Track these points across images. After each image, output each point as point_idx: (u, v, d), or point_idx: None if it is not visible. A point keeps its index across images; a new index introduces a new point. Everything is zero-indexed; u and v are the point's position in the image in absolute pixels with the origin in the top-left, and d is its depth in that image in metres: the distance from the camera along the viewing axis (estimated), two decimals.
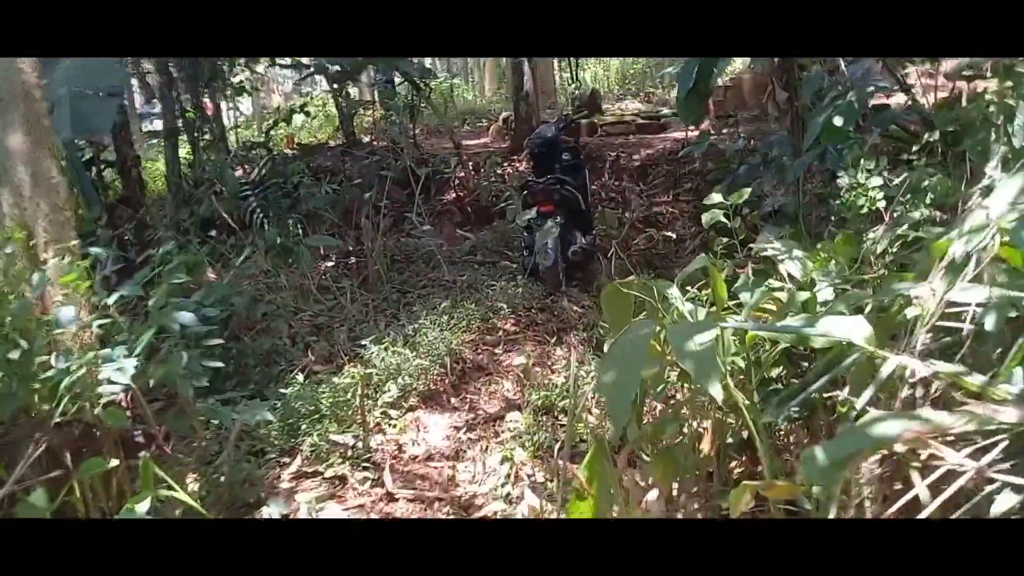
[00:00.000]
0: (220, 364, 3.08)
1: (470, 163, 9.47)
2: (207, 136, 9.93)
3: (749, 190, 3.21)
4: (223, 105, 16.40)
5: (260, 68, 11.62)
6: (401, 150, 8.92)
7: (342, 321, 5.34)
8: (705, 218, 3.28)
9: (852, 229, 3.41)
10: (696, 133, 9.53)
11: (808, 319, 2.08)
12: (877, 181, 3.26)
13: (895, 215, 3.27)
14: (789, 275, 2.70)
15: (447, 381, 4.38)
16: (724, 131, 8.35)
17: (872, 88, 4.00)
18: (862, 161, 3.35)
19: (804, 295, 2.43)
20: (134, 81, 10.92)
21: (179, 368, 2.70)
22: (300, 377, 4.45)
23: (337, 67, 8.08)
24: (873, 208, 3.22)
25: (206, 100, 11.11)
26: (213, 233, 7.40)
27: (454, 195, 9.08)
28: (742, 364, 2.41)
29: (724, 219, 3.25)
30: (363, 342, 4.63)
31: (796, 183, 4.51)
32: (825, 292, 2.47)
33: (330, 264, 7.21)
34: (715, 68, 4.57)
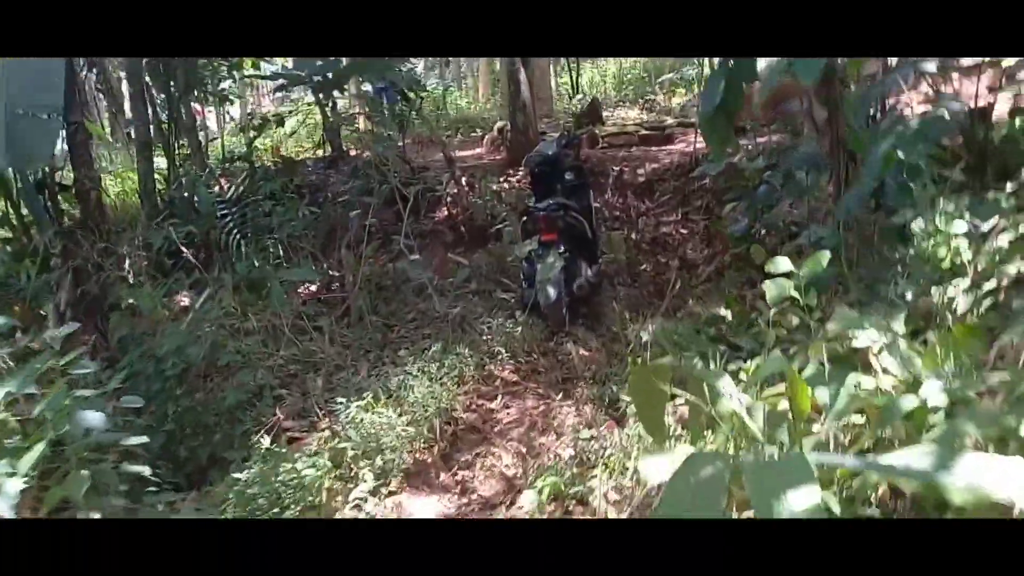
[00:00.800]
0: (145, 469, 2.44)
1: (463, 178, 8.86)
2: (185, 148, 9.31)
3: (828, 255, 2.56)
4: (210, 112, 15.85)
5: (247, 73, 11.02)
6: (389, 165, 8.31)
7: (319, 367, 4.72)
8: (770, 294, 2.60)
9: (924, 282, 2.81)
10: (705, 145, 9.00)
11: (939, 456, 1.46)
12: (960, 227, 2.65)
13: (978, 267, 2.67)
14: (883, 369, 2.08)
15: (436, 450, 3.76)
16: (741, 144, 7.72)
17: (941, 112, 3.40)
18: (940, 201, 2.74)
19: (909, 401, 1.82)
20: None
21: (79, 492, 2.08)
22: (266, 441, 3.83)
23: (320, 77, 7.45)
24: (957, 261, 2.62)
25: (195, 106, 10.57)
26: (186, 254, 6.78)
27: (446, 213, 8.47)
28: (834, 503, 1.78)
29: (795, 297, 2.55)
30: (340, 401, 4.00)
31: (841, 220, 3.90)
32: (935, 395, 1.85)
33: (312, 290, 6.61)
34: (744, 82, 3.96)
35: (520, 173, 8.85)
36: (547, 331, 5.11)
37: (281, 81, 7.26)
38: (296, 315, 5.14)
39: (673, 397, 2.28)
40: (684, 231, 7.49)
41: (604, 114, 12.10)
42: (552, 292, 4.93)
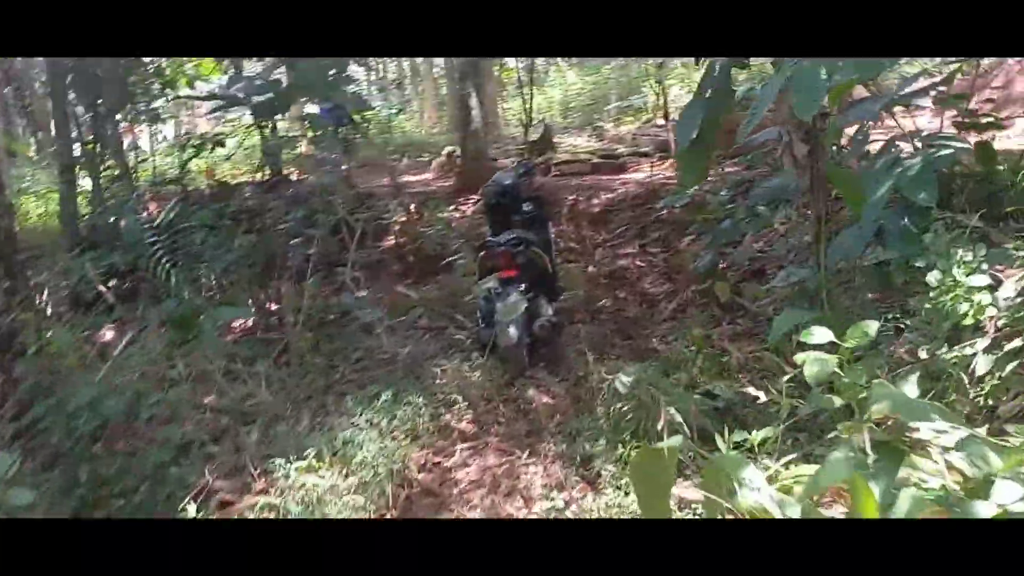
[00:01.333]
0: None
1: (411, 204, 8.47)
2: (113, 170, 8.71)
3: (875, 325, 2.24)
4: (142, 132, 15.10)
5: (180, 94, 10.46)
6: (332, 191, 7.87)
7: (254, 417, 4.26)
8: (810, 372, 2.22)
9: (941, 340, 2.55)
10: (660, 174, 8.78)
11: None
12: (982, 279, 2.39)
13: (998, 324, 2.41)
14: (948, 465, 1.76)
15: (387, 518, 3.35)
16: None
17: (949, 150, 3.17)
18: (958, 253, 2.48)
19: (986, 508, 1.51)
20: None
21: None
22: (193, 508, 3.37)
23: (262, 97, 7.00)
24: (981, 317, 2.35)
25: (124, 125, 9.95)
26: (106, 291, 6.24)
27: (393, 241, 8.07)
28: None
29: (837, 371, 2.18)
30: (277, 460, 3.56)
31: (822, 263, 3.65)
32: (1018, 501, 1.53)
33: (248, 325, 6.13)
34: (721, 118, 3.70)
35: (472, 201, 8.52)
36: (507, 375, 4.74)
37: (221, 104, 6.74)
38: (230, 357, 4.66)
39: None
40: (642, 264, 7.23)
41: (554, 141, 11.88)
42: (513, 333, 4.58)
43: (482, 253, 5.01)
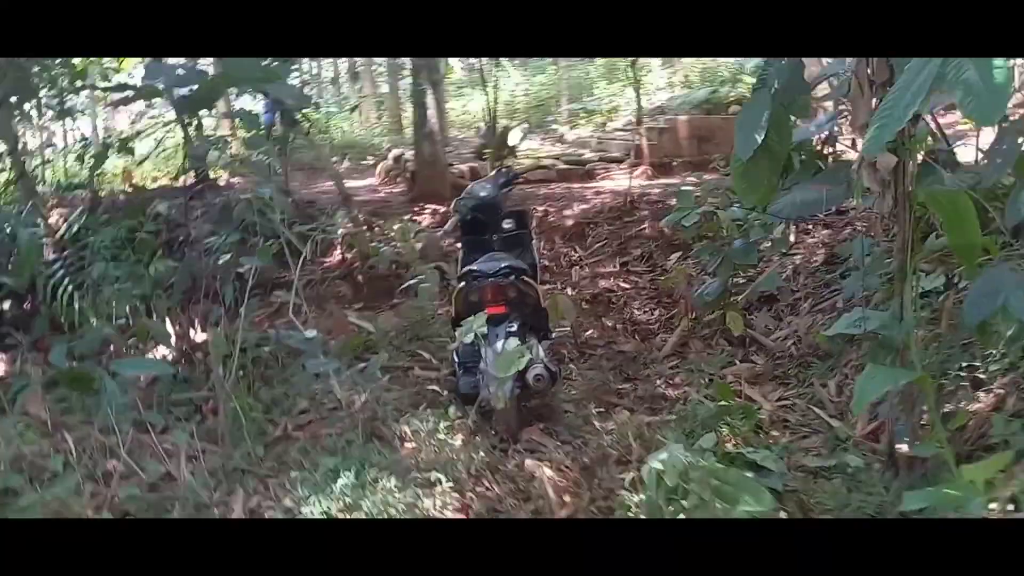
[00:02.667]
0: None
1: (359, 215, 7.45)
2: (9, 173, 7.46)
3: None
4: (53, 130, 13.58)
5: (90, 84, 9.19)
6: (268, 199, 6.79)
7: (171, 507, 3.22)
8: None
9: None
10: (641, 183, 7.89)
11: None
12: None
13: None
14: None
15: None
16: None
17: None
18: None
19: None
20: None
21: None
22: None
23: (184, 89, 5.88)
24: None
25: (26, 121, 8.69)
26: None
27: (340, 258, 7.05)
28: None
29: None
30: None
31: (914, 306, 2.83)
32: None
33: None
34: (792, 117, 2.85)
35: (431, 211, 7.56)
36: (495, 437, 3.81)
37: (127, 93, 5.62)
38: (138, 424, 3.58)
39: None
40: (626, 285, 6.40)
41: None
42: (505, 389, 3.64)
43: (461, 284, 4.06)
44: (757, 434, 3.78)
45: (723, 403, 3.92)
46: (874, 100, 2.96)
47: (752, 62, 11.45)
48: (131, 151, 6.77)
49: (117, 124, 17.70)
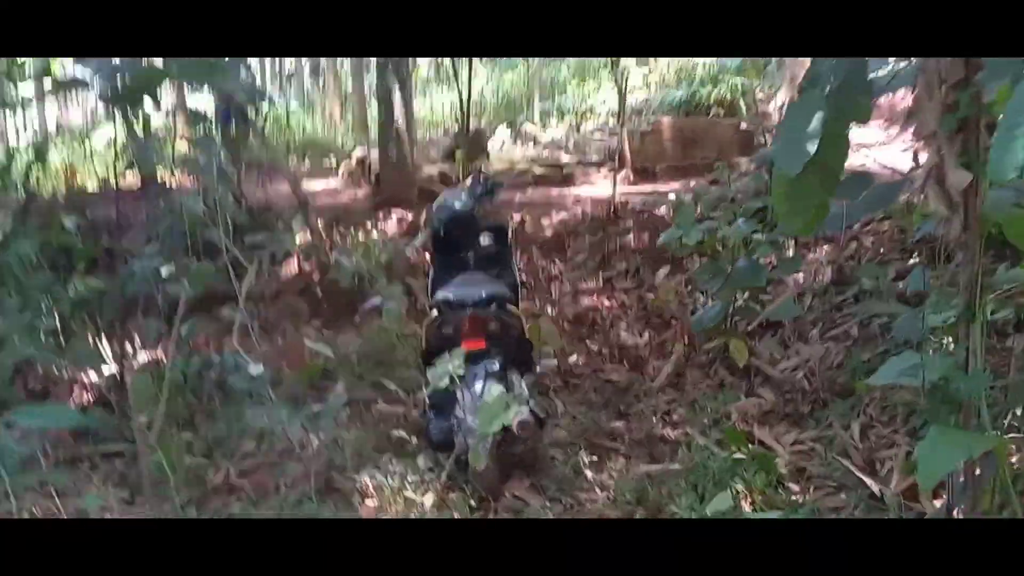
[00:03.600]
0: None
1: (319, 221, 6.82)
2: None
3: None
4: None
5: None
6: (217, 203, 6.13)
7: None
8: None
9: None
10: (623, 189, 7.33)
11: None
12: None
13: None
14: None
15: None
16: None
17: None
18: None
19: None
20: None
21: None
22: None
23: (116, 83, 5.21)
24: None
25: None
26: None
27: (296, 271, 6.42)
28: None
29: None
30: None
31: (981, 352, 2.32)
32: None
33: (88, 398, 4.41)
34: (848, 123, 2.32)
35: (397, 219, 6.95)
36: (474, 496, 3.24)
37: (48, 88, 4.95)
38: (42, 487, 2.93)
39: None
40: (611, 303, 5.86)
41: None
42: (485, 445, 3.06)
43: (434, 315, 3.48)
44: (777, 490, 3.27)
45: (735, 454, 3.40)
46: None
47: (734, 62, 11.03)
48: (41, 154, 6.08)
49: (68, 120, 16.80)
